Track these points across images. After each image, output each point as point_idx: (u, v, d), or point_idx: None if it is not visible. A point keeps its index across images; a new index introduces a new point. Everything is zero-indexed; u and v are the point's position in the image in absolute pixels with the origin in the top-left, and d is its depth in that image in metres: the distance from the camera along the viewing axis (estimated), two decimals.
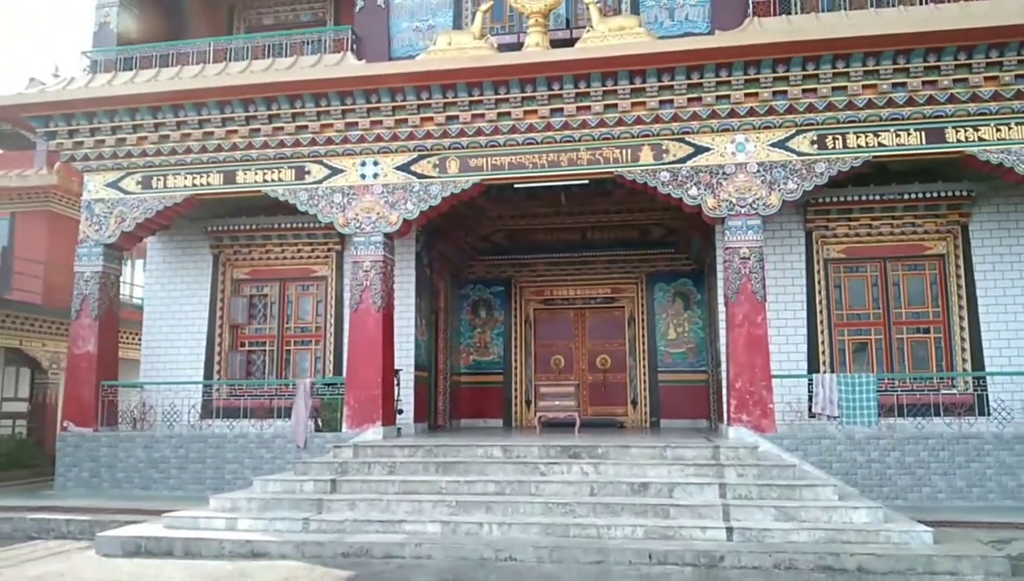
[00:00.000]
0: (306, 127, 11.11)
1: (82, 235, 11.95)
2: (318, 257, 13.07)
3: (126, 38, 12.65)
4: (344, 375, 11.49)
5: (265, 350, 13.08)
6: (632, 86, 10.14)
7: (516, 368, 16.03)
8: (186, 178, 11.69)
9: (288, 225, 12.80)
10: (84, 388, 11.49)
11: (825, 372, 11.05)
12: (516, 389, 15.92)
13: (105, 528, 8.55)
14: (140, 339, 13.41)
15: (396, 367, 11.63)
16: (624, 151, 10.58)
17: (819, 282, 11.49)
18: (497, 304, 16.37)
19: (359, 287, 11.07)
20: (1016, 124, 9.83)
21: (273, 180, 11.41)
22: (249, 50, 12.01)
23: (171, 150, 11.57)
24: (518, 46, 10.97)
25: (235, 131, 11.30)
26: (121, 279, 13.17)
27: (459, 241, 15.04)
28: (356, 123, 10.94)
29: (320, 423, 11.24)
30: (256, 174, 11.47)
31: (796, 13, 10.79)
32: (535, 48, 10.42)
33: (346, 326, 12.04)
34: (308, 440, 10.66)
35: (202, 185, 11.62)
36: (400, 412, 11.77)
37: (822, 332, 11.38)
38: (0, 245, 16.59)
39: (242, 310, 13.08)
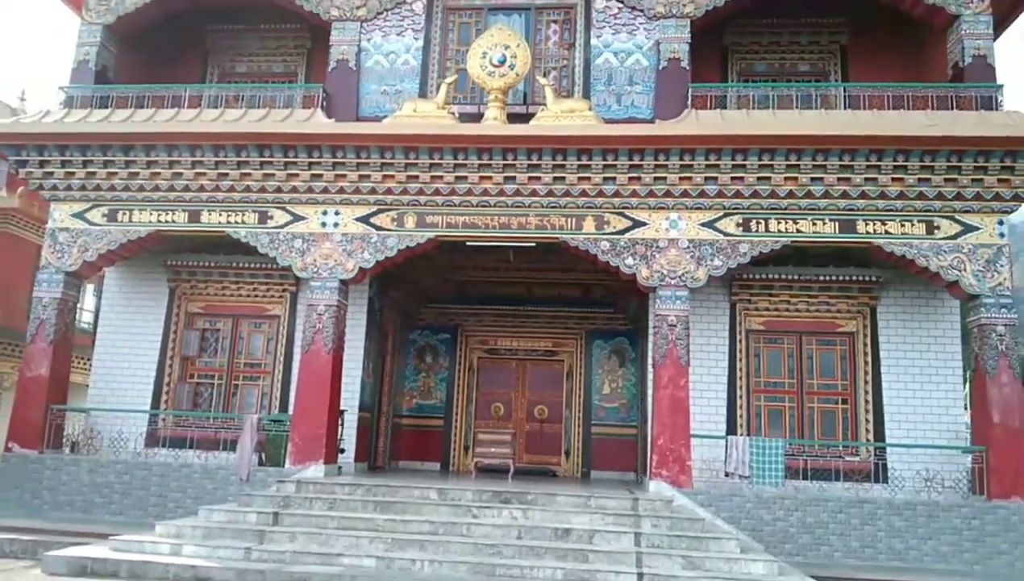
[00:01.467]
0: (273, 175, 11.77)
1: (44, 262, 12.30)
2: (272, 296, 13.57)
3: (103, 76, 13.13)
4: (290, 412, 12.00)
5: (214, 383, 13.47)
6: (579, 162, 11.09)
7: (457, 413, 16.61)
8: (151, 214, 12.20)
9: (246, 264, 13.31)
10: (33, 410, 11.75)
11: (742, 434, 11.95)
12: (456, 434, 16.47)
13: (49, 548, 8.83)
14: (87, 363, 13.66)
15: (341, 408, 12.17)
16: (569, 220, 11.48)
17: (740, 351, 12.44)
18: (443, 351, 16.99)
19: (312, 329, 11.64)
20: (918, 221, 11.03)
21: (237, 222, 12.00)
22: (223, 98, 12.64)
23: (139, 186, 12.10)
24: (478, 116, 11.86)
25: (203, 173, 11.90)
26: None
27: (410, 289, 15.70)
28: (321, 175, 11.66)
29: (264, 457, 11.67)
30: (220, 215, 12.05)
31: (731, 107, 11.90)
32: (493, 121, 11.32)
33: (294, 364, 12.58)
34: (251, 474, 11.09)
35: (167, 222, 12.15)
36: (342, 451, 12.28)
37: (741, 397, 12.30)
38: None
39: (194, 343, 13.48)
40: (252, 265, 13.24)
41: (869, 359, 12.26)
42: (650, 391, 11.69)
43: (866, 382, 12.20)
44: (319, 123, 11.48)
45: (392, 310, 15.35)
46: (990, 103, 11.11)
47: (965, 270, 10.83)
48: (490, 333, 17.01)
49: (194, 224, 12.12)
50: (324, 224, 11.84)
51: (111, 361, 13.32)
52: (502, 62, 11.37)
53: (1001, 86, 11.18)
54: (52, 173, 12.22)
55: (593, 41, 12.29)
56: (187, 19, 14.03)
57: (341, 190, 11.72)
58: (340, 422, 12.14)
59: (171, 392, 13.28)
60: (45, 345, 11.97)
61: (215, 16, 14.24)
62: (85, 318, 19.59)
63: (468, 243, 12.14)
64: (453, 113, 11.63)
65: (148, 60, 14.33)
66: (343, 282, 11.81)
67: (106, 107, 12.54)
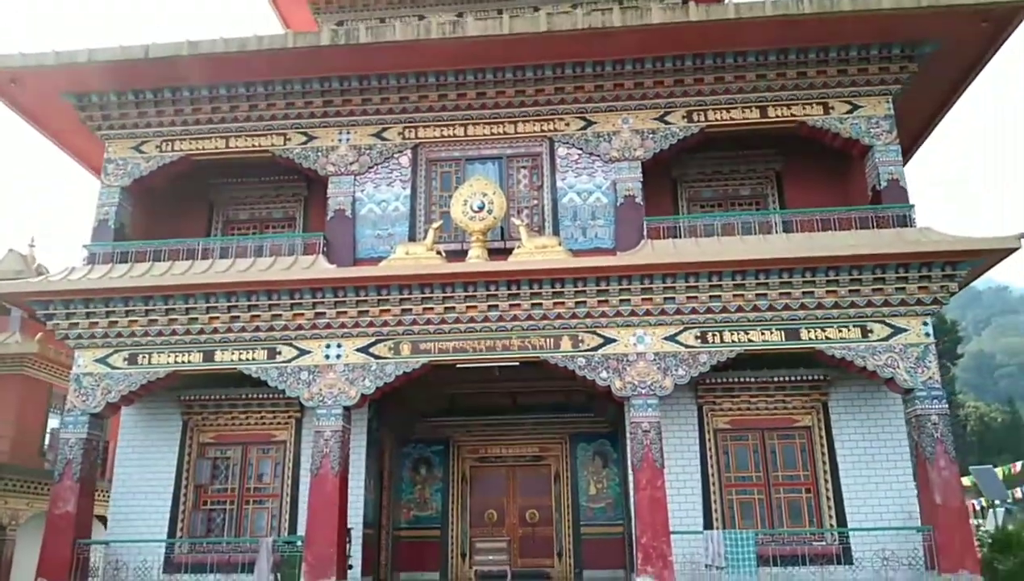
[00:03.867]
0: (280, 315, 13.11)
1: (69, 405, 13.37)
2: (279, 423, 14.65)
3: (121, 233, 14.53)
4: (298, 532, 12.95)
5: (226, 508, 14.38)
6: (553, 290, 12.59)
7: (453, 522, 17.48)
8: (169, 356, 13.41)
9: (254, 395, 14.42)
10: (61, 546, 12.57)
11: (718, 527, 13.06)
12: (452, 542, 17.31)
13: None
14: (102, 495, 14.42)
15: (348, 526, 13.14)
16: (548, 340, 12.87)
17: (710, 449, 13.67)
18: (436, 462, 18.01)
19: (320, 454, 12.74)
20: (853, 326, 12.52)
21: (248, 359, 13.24)
22: (232, 249, 14.09)
23: (157, 332, 13.34)
24: (462, 253, 13.38)
25: (217, 317, 13.20)
26: None
27: (404, 406, 16.88)
28: (324, 313, 13.01)
29: (279, 578, 12.55)
30: (233, 354, 13.29)
31: (683, 235, 13.54)
32: (476, 259, 12.85)
33: (302, 487, 13.61)
34: None
35: (183, 362, 13.35)
36: (350, 568, 13.19)
37: (714, 492, 13.45)
38: None
39: (206, 471, 14.44)
40: (260, 395, 14.37)
41: (826, 450, 13.51)
42: (632, 491, 12.83)
43: (825, 471, 13.41)
44: (323, 269, 12.93)
45: (388, 427, 16.47)
46: (905, 221, 12.84)
47: (899, 367, 12.27)
48: (480, 442, 18.08)
49: (208, 363, 13.32)
50: (328, 356, 13.11)
51: (129, 494, 14.19)
52: (481, 208, 13.00)
53: (912, 206, 12.94)
54: (77, 324, 13.45)
55: (558, 183, 14.00)
56: (194, 175, 15.61)
57: (343, 325, 13.06)
58: (348, 539, 13.09)
59: (186, 519, 14.14)
60: (72, 483, 12.92)
61: (219, 171, 15.84)
62: None
63: (458, 365, 13.45)
64: (440, 253, 13.14)
65: (159, 211, 15.79)
66: (346, 408, 12.99)
67: (126, 261, 13.93)
